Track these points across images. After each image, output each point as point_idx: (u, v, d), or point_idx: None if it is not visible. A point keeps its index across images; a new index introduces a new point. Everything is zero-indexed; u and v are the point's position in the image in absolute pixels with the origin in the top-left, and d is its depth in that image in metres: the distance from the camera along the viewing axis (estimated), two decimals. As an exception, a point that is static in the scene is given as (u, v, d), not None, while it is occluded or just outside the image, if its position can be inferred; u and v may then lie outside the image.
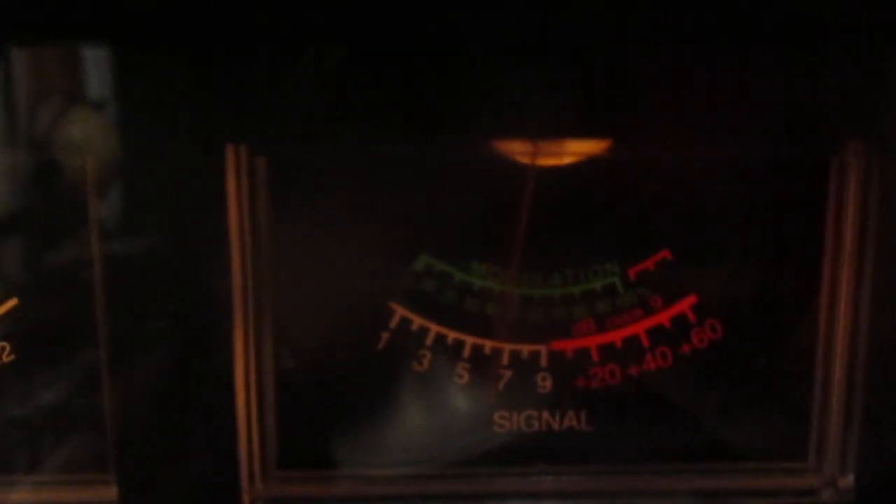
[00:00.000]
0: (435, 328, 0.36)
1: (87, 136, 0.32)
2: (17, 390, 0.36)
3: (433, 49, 0.30)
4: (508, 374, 0.37)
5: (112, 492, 0.35)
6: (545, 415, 0.37)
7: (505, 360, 0.37)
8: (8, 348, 0.36)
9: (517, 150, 0.34)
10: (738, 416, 0.37)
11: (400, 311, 0.36)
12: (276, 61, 0.31)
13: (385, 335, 0.36)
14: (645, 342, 0.37)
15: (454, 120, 0.32)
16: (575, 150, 0.35)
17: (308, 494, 0.36)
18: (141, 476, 0.34)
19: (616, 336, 0.37)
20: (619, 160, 0.34)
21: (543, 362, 0.37)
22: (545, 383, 0.37)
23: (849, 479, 0.35)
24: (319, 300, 0.36)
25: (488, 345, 0.37)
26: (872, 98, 0.32)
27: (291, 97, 0.31)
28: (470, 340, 0.36)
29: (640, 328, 0.37)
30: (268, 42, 0.31)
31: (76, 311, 0.34)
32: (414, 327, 0.36)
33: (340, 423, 0.37)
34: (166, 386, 0.33)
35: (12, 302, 0.35)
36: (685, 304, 0.37)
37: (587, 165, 0.35)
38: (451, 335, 0.36)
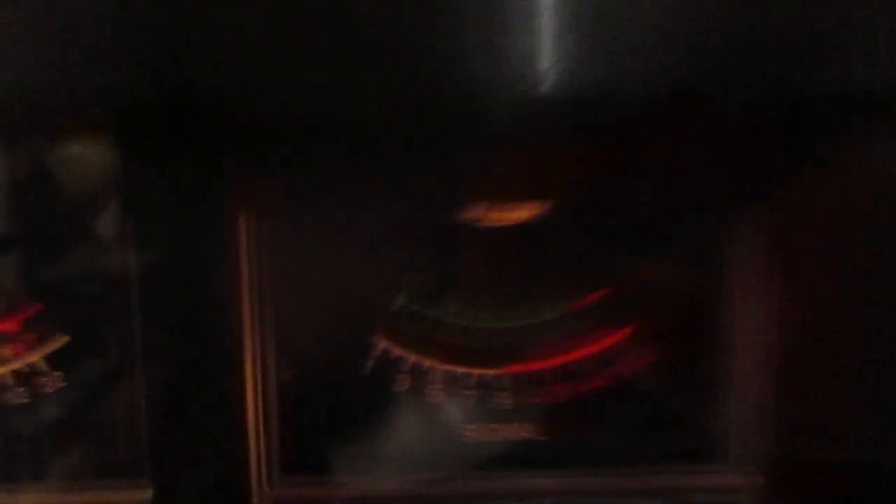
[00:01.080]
0: (412, 357, 0.43)
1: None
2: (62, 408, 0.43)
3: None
4: (475, 394, 0.44)
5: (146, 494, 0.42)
6: (507, 427, 0.44)
7: (472, 382, 0.44)
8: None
9: (476, 212, 0.41)
10: (667, 426, 0.44)
11: (382, 343, 0.43)
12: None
13: (369, 362, 0.43)
14: (591, 366, 0.44)
15: (422, 189, 0.39)
16: (525, 210, 0.42)
17: (309, 497, 0.43)
18: (171, 478, 0.41)
19: (566, 360, 0.44)
20: (564, 216, 0.42)
21: (504, 383, 0.44)
22: (507, 401, 0.44)
23: (759, 480, 0.42)
24: (315, 332, 0.43)
25: (458, 369, 0.44)
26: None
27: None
28: (441, 367, 0.43)
29: (586, 353, 0.44)
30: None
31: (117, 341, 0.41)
32: (393, 356, 0.43)
33: (335, 436, 0.44)
34: (190, 400, 0.40)
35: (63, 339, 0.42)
36: (624, 333, 0.43)
37: (537, 220, 0.42)
38: (426, 362, 0.43)
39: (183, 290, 0.39)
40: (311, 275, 0.42)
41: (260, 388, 0.42)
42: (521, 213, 0.41)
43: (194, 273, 0.39)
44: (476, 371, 0.43)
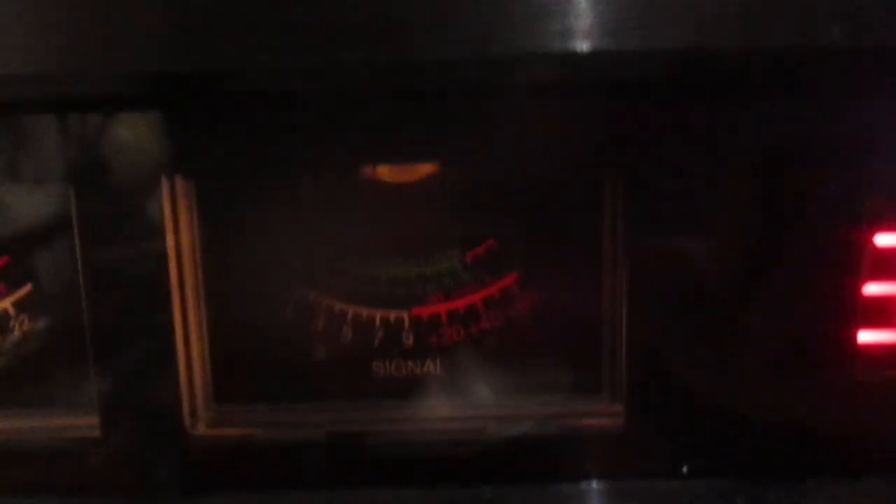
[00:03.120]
0: (325, 301, 0.50)
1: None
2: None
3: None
4: (381, 333, 0.50)
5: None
6: (409, 363, 0.50)
7: (377, 323, 0.50)
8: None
9: (377, 171, 0.48)
10: (549, 360, 0.50)
11: (299, 289, 0.49)
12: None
13: (289, 307, 0.50)
14: (481, 308, 0.50)
15: (329, 152, 0.45)
16: (420, 169, 0.48)
17: (236, 422, 0.50)
18: (114, 409, 0.48)
19: (459, 304, 0.50)
20: (453, 176, 0.48)
21: (406, 324, 0.50)
22: (408, 340, 0.50)
23: (620, 407, 0.48)
24: (242, 278, 0.49)
25: (365, 312, 0.50)
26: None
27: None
28: (351, 309, 0.50)
29: (477, 298, 0.50)
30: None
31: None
32: (310, 300, 0.49)
33: (260, 370, 0.50)
34: (130, 338, 0.47)
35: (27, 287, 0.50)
36: (509, 279, 0.49)
37: (430, 180, 0.48)
38: (338, 306, 0.50)
39: (119, 240, 0.46)
40: (239, 229, 0.49)
41: (192, 328, 0.49)
42: (418, 172, 0.48)
43: (129, 226, 0.46)
44: (381, 314, 0.50)
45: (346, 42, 0.38)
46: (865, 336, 0.47)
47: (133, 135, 0.44)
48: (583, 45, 0.38)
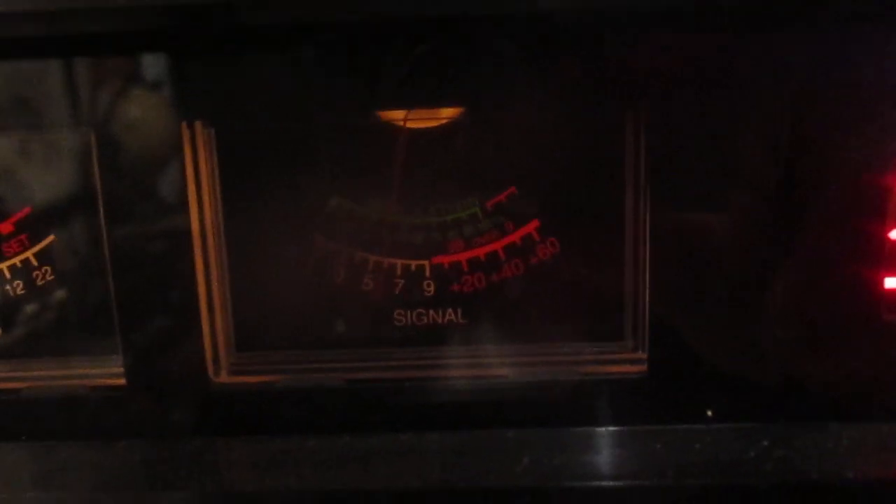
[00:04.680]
0: (345, 250, 0.49)
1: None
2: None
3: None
4: (402, 282, 0.50)
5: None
6: (431, 312, 0.50)
7: (399, 272, 0.50)
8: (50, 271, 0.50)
9: (396, 117, 0.47)
10: (571, 308, 0.49)
11: (318, 238, 0.49)
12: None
13: (310, 255, 0.50)
14: (502, 256, 0.49)
15: (349, 97, 0.45)
16: (441, 115, 0.48)
17: (259, 369, 0.50)
18: (139, 357, 0.48)
19: (480, 252, 0.50)
20: (474, 122, 0.47)
21: (427, 273, 0.50)
22: (430, 289, 0.50)
23: (643, 354, 0.48)
24: (263, 229, 0.49)
25: (386, 261, 0.50)
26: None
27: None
28: (372, 258, 0.50)
29: (498, 246, 0.49)
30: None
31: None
32: (331, 249, 0.49)
33: (282, 318, 0.51)
34: (153, 291, 0.48)
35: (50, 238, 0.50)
36: (531, 227, 0.49)
37: (451, 126, 0.47)
38: (358, 255, 0.50)
39: (142, 192, 0.46)
40: (258, 178, 0.49)
41: (214, 276, 0.49)
42: (438, 118, 0.47)
43: (151, 178, 0.46)
44: (402, 262, 0.50)
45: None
46: (892, 281, 0.46)
47: (154, 77, 0.44)
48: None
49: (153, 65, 0.44)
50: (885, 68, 0.43)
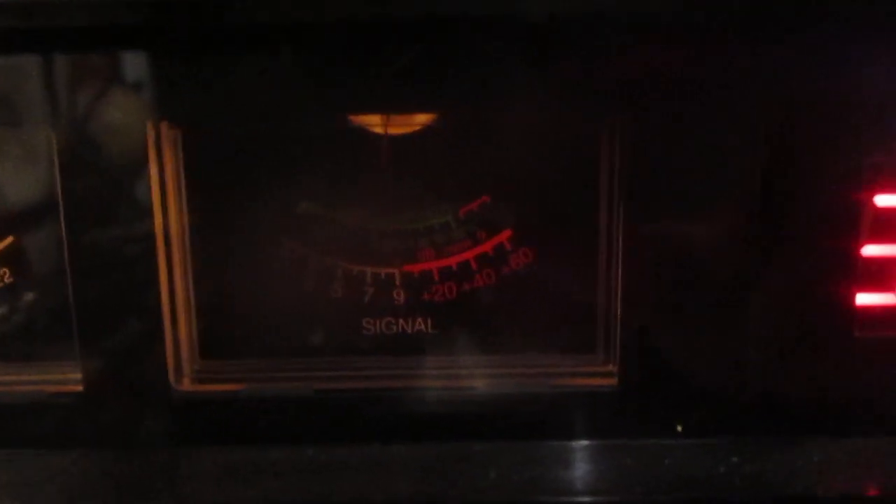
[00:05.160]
0: (314, 256, 0.48)
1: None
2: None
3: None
4: (371, 290, 0.49)
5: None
6: (401, 321, 0.50)
7: (368, 279, 0.49)
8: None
9: (370, 122, 0.47)
10: (543, 319, 0.49)
11: (287, 243, 0.48)
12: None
13: (278, 261, 0.49)
14: (474, 266, 0.49)
15: (320, 100, 0.44)
16: (416, 121, 0.47)
17: (221, 377, 0.49)
18: (98, 364, 0.47)
19: (452, 261, 0.49)
20: (449, 129, 0.46)
21: (397, 281, 0.49)
22: (399, 297, 0.49)
23: (614, 367, 0.47)
24: (231, 233, 0.48)
25: (355, 268, 0.49)
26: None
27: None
28: (341, 265, 0.49)
29: (469, 255, 0.49)
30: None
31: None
32: (299, 255, 0.48)
33: (248, 324, 0.50)
34: (114, 296, 0.46)
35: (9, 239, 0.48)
36: (503, 237, 0.49)
37: (425, 133, 0.47)
38: (327, 261, 0.49)
39: (104, 194, 0.45)
40: (226, 182, 0.48)
41: (178, 280, 0.48)
42: (412, 124, 0.46)
43: (114, 179, 0.45)
44: (371, 270, 0.49)
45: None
46: (864, 298, 0.46)
47: (119, 75, 0.43)
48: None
49: (119, 63, 0.43)
50: (859, 87, 0.43)
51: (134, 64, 0.43)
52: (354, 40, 0.43)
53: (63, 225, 0.45)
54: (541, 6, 0.40)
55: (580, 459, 0.45)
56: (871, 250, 0.45)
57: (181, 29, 0.41)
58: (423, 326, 0.49)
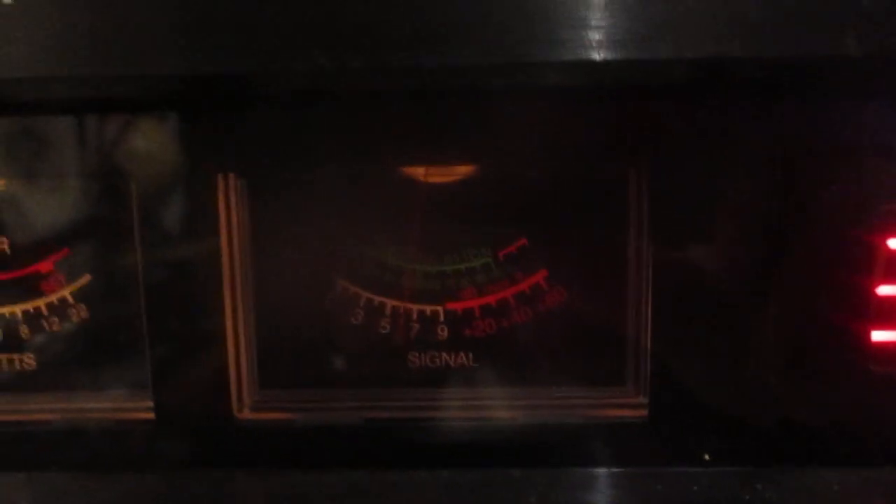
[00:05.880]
0: (365, 294, 0.52)
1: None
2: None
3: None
4: (417, 326, 0.53)
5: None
6: (444, 355, 0.53)
7: (414, 316, 0.53)
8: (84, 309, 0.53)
9: (416, 172, 0.51)
10: (576, 353, 0.52)
11: (340, 282, 0.52)
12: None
13: (331, 299, 0.53)
14: (512, 303, 0.52)
15: (371, 153, 0.49)
16: (456, 171, 0.51)
17: (279, 406, 0.53)
18: (169, 392, 0.51)
19: (491, 299, 0.53)
20: (487, 177, 0.51)
21: (441, 318, 0.53)
22: (443, 333, 0.53)
23: (644, 399, 0.51)
24: (287, 273, 0.52)
25: (403, 306, 0.53)
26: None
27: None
28: (390, 303, 0.53)
29: (508, 293, 0.53)
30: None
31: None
32: (351, 293, 0.52)
33: (303, 358, 0.53)
34: (183, 330, 0.50)
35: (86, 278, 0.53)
36: (539, 276, 0.52)
37: (466, 182, 0.51)
38: (377, 299, 0.53)
39: (175, 239, 0.49)
40: (285, 226, 0.52)
41: (241, 317, 0.52)
42: (454, 173, 0.51)
43: (184, 225, 0.49)
44: (417, 308, 0.53)
45: (392, 45, 0.41)
46: (878, 335, 0.49)
47: (188, 134, 0.48)
48: (612, 54, 0.41)
49: (191, 122, 0.48)
50: (870, 135, 0.47)
51: (205, 123, 0.48)
52: (404, 104, 0.48)
53: (139, 266, 0.50)
54: (569, 77, 0.44)
55: (612, 486, 0.49)
56: (885, 290, 0.49)
57: (249, 95, 0.46)
58: (464, 360, 0.53)
